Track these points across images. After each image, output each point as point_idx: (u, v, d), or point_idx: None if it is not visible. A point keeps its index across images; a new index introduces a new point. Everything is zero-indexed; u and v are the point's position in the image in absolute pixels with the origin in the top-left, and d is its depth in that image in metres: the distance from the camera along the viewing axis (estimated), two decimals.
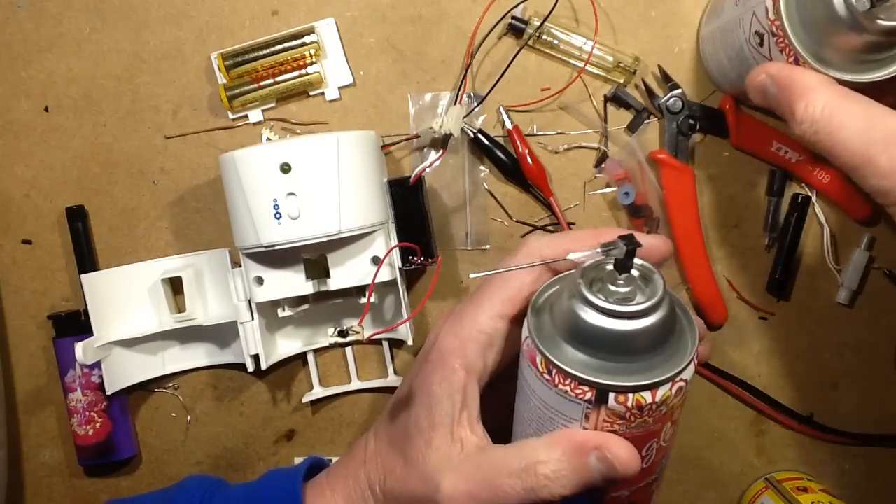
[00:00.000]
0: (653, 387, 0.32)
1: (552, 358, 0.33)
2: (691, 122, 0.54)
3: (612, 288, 0.33)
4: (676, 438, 0.38)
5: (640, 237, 0.36)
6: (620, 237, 0.33)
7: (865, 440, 0.57)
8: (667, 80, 0.55)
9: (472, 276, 0.40)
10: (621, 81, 0.55)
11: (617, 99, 0.55)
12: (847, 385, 0.57)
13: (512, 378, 0.39)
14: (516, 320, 0.40)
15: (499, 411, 0.41)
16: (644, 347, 0.33)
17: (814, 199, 0.55)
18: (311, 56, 0.55)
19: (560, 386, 0.33)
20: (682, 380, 0.33)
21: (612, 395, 0.32)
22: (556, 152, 0.56)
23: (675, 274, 0.57)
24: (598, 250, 0.34)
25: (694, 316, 0.36)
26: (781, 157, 0.54)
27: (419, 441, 0.39)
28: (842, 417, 0.58)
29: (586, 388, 0.32)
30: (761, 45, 0.44)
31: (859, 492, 0.58)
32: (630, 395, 0.32)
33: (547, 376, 0.34)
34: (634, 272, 0.34)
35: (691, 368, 0.33)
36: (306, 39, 0.55)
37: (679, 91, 0.54)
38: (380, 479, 0.42)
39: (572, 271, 0.36)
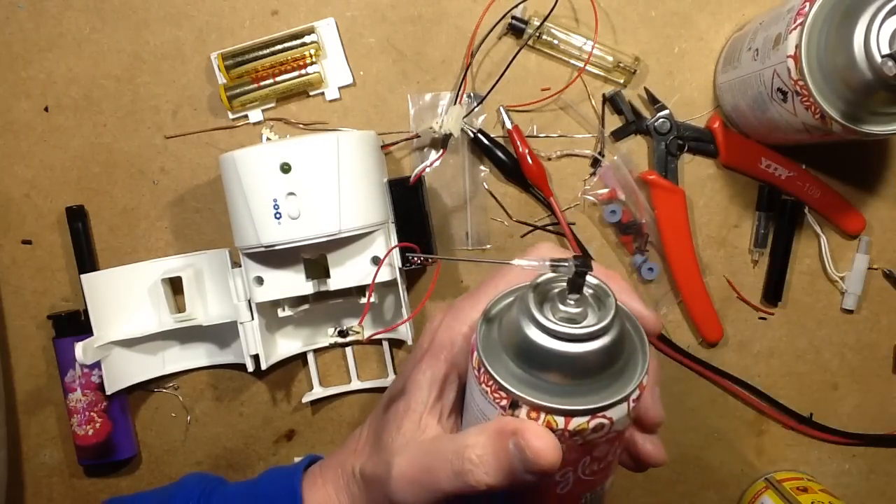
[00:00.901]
0: (567, 413, 0.31)
1: (483, 356, 0.32)
2: (679, 142, 0.55)
3: (561, 306, 0.32)
4: (616, 473, 0.37)
5: (635, 306, 0.36)
6: (574, 257, 0.32)
7: (865, 440, 0.57)
8: (654, 102, 0.55)
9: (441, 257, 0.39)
10: (621, 81, 0.55)
11: (613, 103, 0.55)
12: (847, 385, 0.57)
13: None
14: None
15: None
16: (575, 372, 0.31)
17: (806, 210, 0.56)
18: (311, 56, 0.55)
19: (483, 385, 0.33)
20: (604, 416, 0.31)
21: (524, 409, 0.31)
22: (549, 159, 0.56)
23: (670, 293, 0.57)
24: (547, 263, 0.33)
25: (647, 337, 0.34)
26: (771, 174, 0.54)
27: (392, 426, 0.40)
28: (842, 417, 0.58)
29: (503, 395, 0.32)
30: (785, 101, 0.44)
31: (859, 492, 0.58)
32: (542, 414, 0.31)
33: (476, 373, 0.33)
34: (590, 294, 0.33)
35: (620, 409, 0.31)
36: (306, 39, 0.55)
37: (667, 112, 0.55)
38: (363, 465, 0.42)
39: (528, 265, 0.35)
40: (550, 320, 0.31)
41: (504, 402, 0.32)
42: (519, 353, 0.32)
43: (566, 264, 0.32)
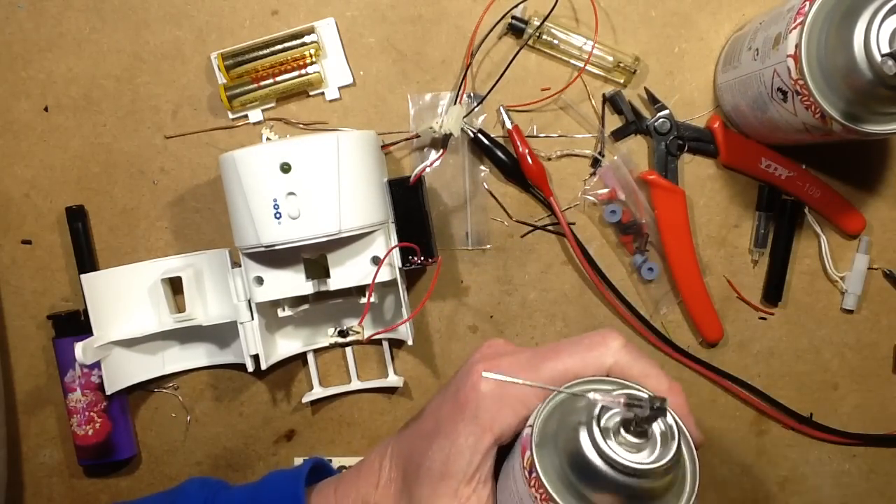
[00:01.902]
0: None
1: (537, 462, 0.32)
2: (679, 142, 0.55)
3: (624, 433, 0.32)
4: None
5: (687, 417, 0.35)
6: (650, 398, 0.31)
7: (865, 440, 0.57)
8: (654, 102, 0.55)
9: (484, 374, 0.37)
10: (621, 81, 0.55)
11: (613, 103, 0.55)
12: (847, 385, 0.57)
13: None
14: None
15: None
16: (625, 498, 0.31)
17: (806, 210, 0.56)
18: (310, 56, 0.55)
19: (533, 490, 0.33)
20: None
21: None
22: (549, 159, 0.56)
23: (670, 293, 0.57)
24: (622, 401, 0.32)
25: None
26: (771, 174, 0.54)
27: (427, 487, 0.39)
28: (842, 417, 0.58)
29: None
30: (785, 100, 0.44)
31: (859, 492, 0.58)
32: None
33: (527, 473, 0.33)
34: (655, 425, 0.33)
35: None
36: (306, 39, 0.55)
37: (667, 112, 0.55)
38: None
39: (604, 400, 0.34)
40: (613, 450, 0.31)
41: None
42: (573, 468, 0.32)
43: (642, 405, 0.31)
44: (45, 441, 0.60)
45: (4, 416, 0.58)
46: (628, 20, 0.55)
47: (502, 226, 0.57)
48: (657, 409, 0.31)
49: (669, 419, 0.32)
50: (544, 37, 0.54)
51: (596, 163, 0.56)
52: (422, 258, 0.52)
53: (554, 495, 0.32)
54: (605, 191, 0.56)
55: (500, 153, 0.55)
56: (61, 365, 0.57)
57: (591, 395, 0.33)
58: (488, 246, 0.57)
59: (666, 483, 0.32)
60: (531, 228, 0.57)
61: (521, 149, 0.55)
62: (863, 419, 0.58)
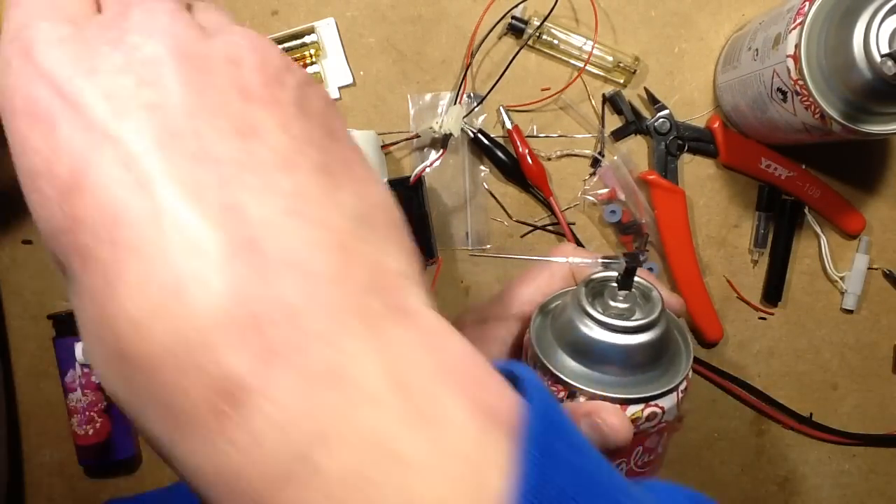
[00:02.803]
0: (623, 402, 0.33)
1: (538, 352, 0.34)
2: (679, 142, 0.55)
3: (611, 302, 0.34)
4: (666, 454, 0.38)
5: (663, 292, 0.37)
6: (624, 254, 0.34)
7: (865, 440, 0.57)
8: (654, 102, 0.55)
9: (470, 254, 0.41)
10: (621, 81, 0.55)
11: (613, 103, 0.55)
12: (847, 385, 0.57)
13: None
14: None
15: None
16: (627, 364, 0.33)
17: (806, 210, 0.56)
18: (311, 56, 0.55)
19: (544, 382, 0.34)
20: (656, 405, 0.33)
21: (581, 399, 0.33)
22: (549, 159, 0.56)
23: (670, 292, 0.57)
24: (599, 261, 0.35)
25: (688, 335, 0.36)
26: (771, 173, 0.54)
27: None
28: (842, 417, 0.58)
29: (561, 387, 0.33)
30: (784, 101, 0.44)
31: (859, 492, 0.58)
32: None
33: (532, 367, 0.35)
34: (635, 290, 0.35)
35: (670, 398, 0.33)
36: (306, 39, 0.55)
37: (666, 112, 0.55)
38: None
39: (582, 262, 0.38)
40: (603, 314, 0.33)
41: (562, 395, 0.33)
42: (574, 347, 0.34)
43: (618, 261, 0.34)
44: (46, 441, 0.60)
45: (5, 416, 0.58)
46: (628, 20, 0.55)
47: (502, 226, 0.57)
48: (631, 258, 0.33)
49: (641, 281, 0.35)
50: (544, 37, 0.54)
51: (596, 163, 0.56)
52: (422, 258, 0.52)
53: (562, 377, 0.33)
54: (605, 191, 0.56)
55: (500, 153, 0.55)
56: (62, 365, 0.57)
57: (570, 258, 0.36)
58: (488, 246, 0.57)
59: (659, 348, 0.34)
60: (531, 228, 0.57)
61: (521, 149, 0.55)
62: (862, 419, 0.58)
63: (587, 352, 0.33)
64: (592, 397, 0.33)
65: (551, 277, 0.40)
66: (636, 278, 0.35)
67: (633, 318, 0.33)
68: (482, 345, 0.40)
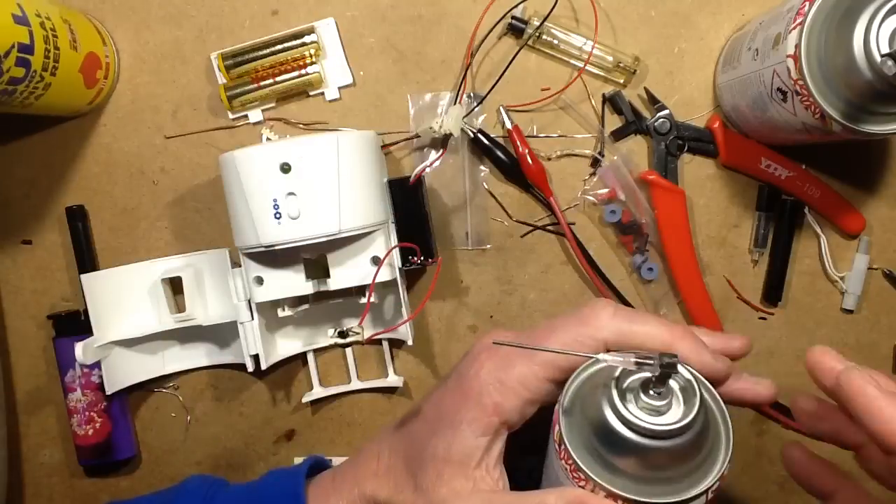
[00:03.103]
0: None
1: (564, 434, 0.33)
2: (679, 142, 0.55)
3: (645, 397, 0.32)
4: None
5: (701, 352, 0.35)
6: (660, 355, 0.31)
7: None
8: (653, 102, 0.55)
9: (494, 342, 0.38)
10: (621, 81, 0.55)
11: (613, 103, 0.55)
12: None
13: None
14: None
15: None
16: (655, 465, 0.31)
17: (806, 210, 0.56)
18: (310, 56, 0.55)
19: (563, 461, 0.33)
20: None
21: (601, 493, 0.32)
22: (549, 159, 0.56)
23: (670, 293, 0.57)
24: (633, 360, 0.33)
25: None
26: (771, 173, 0.54)
27: (432, 471, 0.39)
28: None
29: (582, 476, 0.32)
30: (784, 101, 0.44)
31: None
32: (618, 502, 0.32)
33: (557, 447, 0.34)
34: (673, 384, 0.32)
35: (697, 503, 0.31)
36: (306, 39, 0.55)
37: (666, 112, 0.55)
38: (388, 497, 0.42)
39: (614, 361, 0.34)
40: (633, 414, 0.30)
41: (582, 483, 0.32)
42: (600, 438, 0.32)
43: (651, 362, 0.31)
44: (46, 441, 0.60)
45: (5, 416, 0.58)
46: (628, 20, 0.55)
47: (502, 226, 0.57)
48: (667, 364, 0.30)
49: (685, 373, 0.32)
50: (544, 37, 0.54)
51: (596, 163, 0.56)
52: (422, 258, 0.52)
53: (584, 468, 0.32)
54: (605, 191, 0.56)
55: (500, 153, 0.55)
56: (61, 365, 0.57)
57: (601, 356, 0.33)
58: (488, 246, 0.57)
59: (693, 450, 0.31)
60: (531, 228, 0.57)
61: (521, 149, 0.55)
62: None
63: (612, 446, 0.31)
64: (611, 495, 0.31)
65: (579, 343, 0.37)
66: (683, 373, 0.32)
67: (666, 419, 0.31)
68: (503, 394, 0.38)
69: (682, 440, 0.31)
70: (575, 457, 0.32)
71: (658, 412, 0.31)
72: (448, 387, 0.42)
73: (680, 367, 0.32)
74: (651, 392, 0.32)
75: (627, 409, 0.31)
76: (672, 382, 0.32)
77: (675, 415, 0.31)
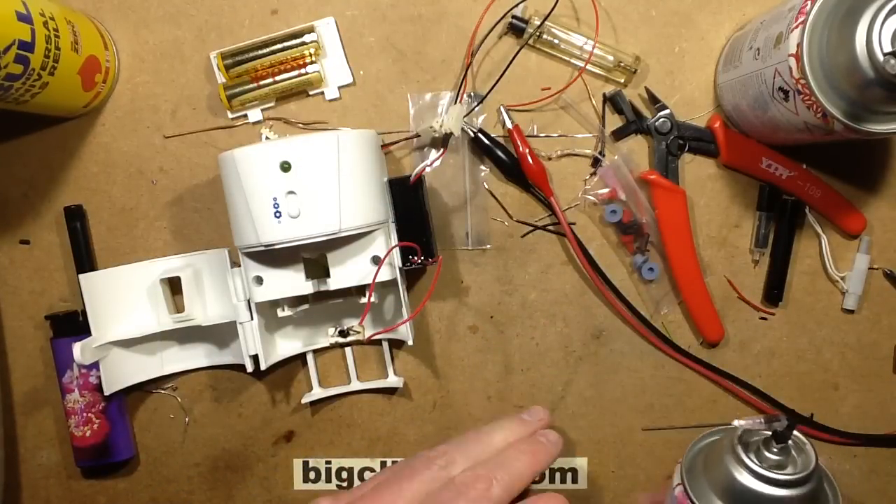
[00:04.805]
0: None
1: (689, 491, 0.36)
2: (680, 142, 0.55)
3: (766, 453, 0.35)
4: None
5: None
6: (786, 410, 0.36)
7: (866, 440, 0.57)
8: (654, 101, 0.55)
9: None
10: (622, 81, 0.55)
11: (613, 103, 0.55)
12: (848, 385, 0.57)
13: None
14: None
15: None
16: None
17: (807, 210, 0.56)
18: (310, 55, 0.55)
19: None
20: None
21: None
22: (550, 158, 0.56)
23: (671, 293, 0.57)
24: (761, 421, 0.37)
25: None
26: (772, 173, 0.54)
27: None
28: (842, 417, 0.57)
29: None
30: (786, 100, 0.44)
31: (859, 492, 0.58)
32: None
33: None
34: (790, 443, 0.36)
35: None
36: (306, 38, 0.55)
37: (667, 112, 0.55)
38: None
39: (729, 428, 0.38)
40: (759, 465, 0.34)
41: None
42: (726, 493, 0.35)
43: (780, 418, 0.35)
44: (43, 442, 0.60)
45: (1, 418, 0.57)
46: (629, 20, 0.55)
47: (502, 226, 0.57)
48: (792, 419, 0.35)
49: (799, 437, 0.36)
50: (545, 36, 0.54)
51: (596, 162, 0.56)
52: (422, 258, 0.52)
53: None
54: (606, 191, 0.56)
55: (500, 153, 0.55)
56: (59, 365, 0.57)
57: (735, 422, 0.36)
58: (488, 246, 0.57)
59: (816, 492, 0.35)
60: (531, 228, 0.57)
61: (521, 148, 0.55)
62: (863, 419, 0.57)
63: (740, 500, 0.34)
64: None
65: None
66: (797, 434, 0.36)
67: (787, 471, 0.34)
68: None
69: (807, 488, 0.34)
70: None
71: (780, 467, 0.35)
72: None
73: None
74: (773, 448, 0.36)
75: (759, 465, 0.34)
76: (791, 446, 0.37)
77: (794, 468, 0.35)
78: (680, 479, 0.36)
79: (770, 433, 0.35)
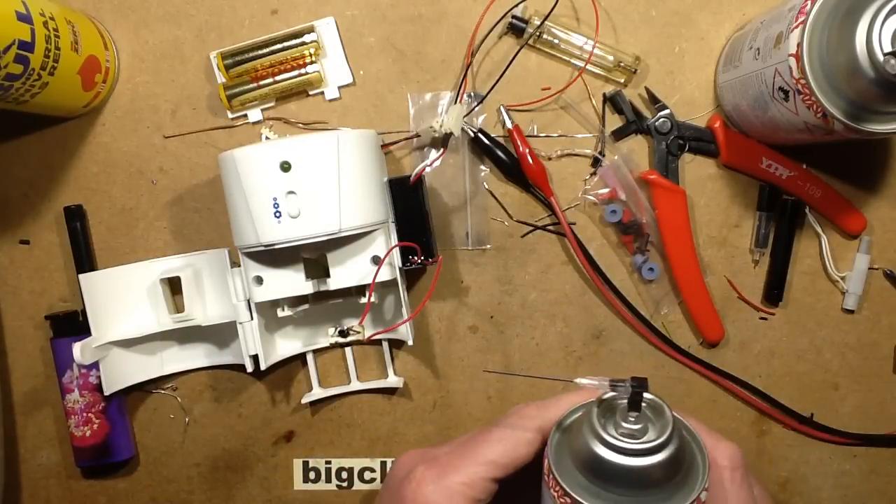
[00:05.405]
0: None
1: (553, 466, 0.35)
2: (680, 142, 0.55)
3: (623, 423, 0.34)
4: None
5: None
6: (632, 378, 0.34)
7: (866, 440, 0.57)
8: (654, 101, 0.55)
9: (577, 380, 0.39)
10: (622, 81, 0.55)
11: (613, 103, 0.55)
12: (848, 385, 0.57)
13: None
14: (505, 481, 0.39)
15: None
16: (639, 484, 0.33)
17: (807, 210, 0.56)
18: (310, 55, 0.55)
19: (552, 490, 0.35)
20: None
21: None
22: (550, 158, 0.56)
23: (671, 293, 0.57)
24: (607, 383, 0.36)
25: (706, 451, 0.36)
26: (772, 173, 0.54)
27: None
28: (843, 418, 0.57)
29: (569, 501, 0.33)
30: (786, 100, 0.44)
31: (860, 492, 0.58)
32: None
33: (546, 478, 0.35)
34: (647, 409, 0.35)
35: None
36: (306, 38, 0.55)
37: (667, 111, 0.55)
38: None
39: (589, 383, 0.38)
40: (613, 436, 0.33)
41: None
42: (585, 465, 0.34)
43: (624, 384, 0.35)
44: (43, 442, 0.60)
45: (1, 418, 0.57)
46: (629, 20, 0.55)
47: (502, 226, 0.57)
48: (636, 385, 0.34)
49: (652, 398, 0.35)
50: (545, 36, 0.54)
51: (596, 162, 0.56)
52: (422, 258, 0.52)
53: (572, 493, 0.33)
54: (606, 190, 0.56)
55: (500, 153, 0.55)
56: (59, 365, 0.57)
57: (576, 380, 0.36)
58: (488, 246, 0.57)
59: (671, 468, 0.33)
60: (531, 228, 0.57)
61: (521, 148, 0.55)
62: (863, 419, 0.57)
63: (596, 470, 0.33)
64: None
65: (517, 441, 0.39)
66: (648, 396, 0.35)
67: (643, 439, 0.33)
68: (450, 499, 0.38)
69: (662, 457, 0.33)
70: (563, 485, 0.34)
71: (635, 436, 0.34)
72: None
73: (648, 395, 0.35)
74: (628, 418, 0.35)
75: (609, 433, 0.33)
76: (647, 411, 0.35)
77: (650, 437, 0.34)
78: (547, 449, 0.36)
79: (621, 398, 0.35)
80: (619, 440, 0.33)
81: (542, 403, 0.40)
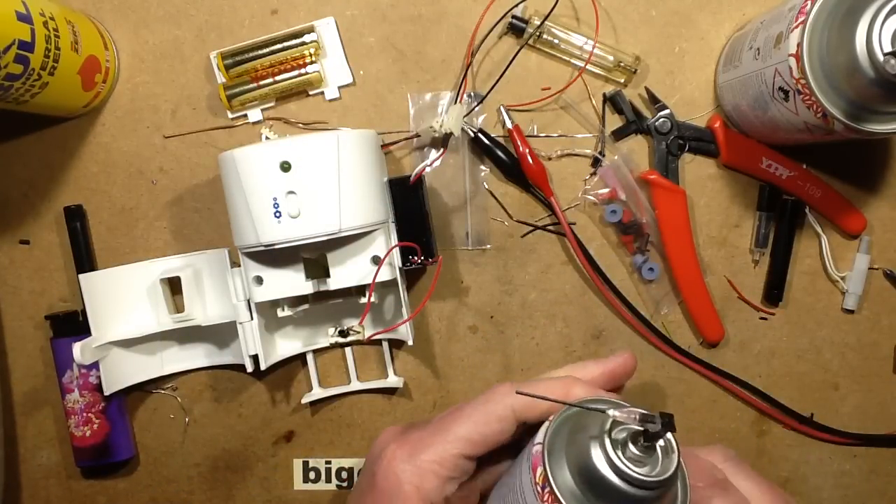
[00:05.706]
0: None
1: (551, 478, 0.34)
2: (680, 142, 0.55)
3: (631, 446, 0.34)
4: None
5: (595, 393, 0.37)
6: (661, 414, 0.33)
7: (866, 440, 0.57)
8: (654, 101, 0.55)
9: (517, 391, 0.38)
10: (622, 81, 0.55)
11: (613, 103, 0.55)
12: (848, 385, 0.57)
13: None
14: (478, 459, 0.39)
15: None
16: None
17: (807, 210, 0.56)
18: (310, 55, 0.55)
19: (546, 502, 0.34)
20: None
21: None
22: (550, 158, 0.56)
23: (671, 293, 0.57)
24: (637, 417, 0.35)
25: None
26: (772, 173, 0.54)
27: None
28: (843, 418, 0.57)
29: (551, 498, 0.33)
30: (786, 100, 0.44)
31: (860, 492, 0.58)
32: None
33: (539, 489, 0.34)
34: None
35: None
36: (306, 38, 0.55)
37: (667, 111, 0.55)
38: None
39: (604, 412, 0.36)
40: (623, 462, 0.32)
41: None
42: (584, 480, 0.33)
43: (654, 420, 0.34)
44: (43, 442, 0.60)
45: (1, 418, 0.57)
46: (629, 20, 0.55)
47: (502, 226, 0.57)
48: (667, 423, 0.33)
49: (672, 443, 0.34)
50: (545, 36, 0.54)
51: (596, 162, 0.56)
52: (422, 258, 0.52)
53: (551, 481, 0.33)
54: (606, 190, 0.56)
55: (500, 153, 0.55)
56: (59, 365, 0.57)
57: (610, 412, 0.34)
58: (488, 246, 0.57)
59: (664, 497, 0.34)
60: (531, 228, 0.57)
61: (521, 148, 0.55)
62: (863, 419, 0.57)
63: (592, 483, 0.33)
64: None
65: (487, 417, 0.39)
66: (669, 436, 0.34)
67: (650, 471, 0.33)
68: (420, 477, 0.38)
69: (664, 490, 0.33)
70: (552, 481, 0.33)
71: (643, 464, 0.33)
72: (363, 490, 0.41)
73: (669, 435, 0.34)
74: (640, 445, 0.34)
75: (619, 457, 0.33)
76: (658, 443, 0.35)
77: (655, 467, 0.33)
78: (542, 440, 0.35)
79: (642, 429, 0.34)
80: (630, 468, 0.32)
81: (519, 383, 0.40)
